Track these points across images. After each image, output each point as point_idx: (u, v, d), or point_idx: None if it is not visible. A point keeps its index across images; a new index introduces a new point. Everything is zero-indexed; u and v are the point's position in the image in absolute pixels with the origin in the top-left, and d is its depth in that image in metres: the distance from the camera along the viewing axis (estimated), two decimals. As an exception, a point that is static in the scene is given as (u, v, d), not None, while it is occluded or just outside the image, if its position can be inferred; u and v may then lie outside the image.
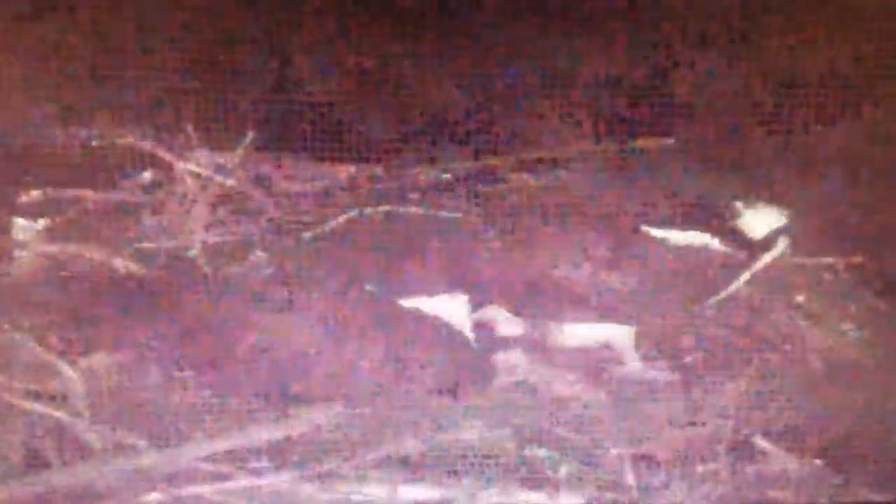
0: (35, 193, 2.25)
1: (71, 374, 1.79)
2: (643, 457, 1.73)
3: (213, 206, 2.36)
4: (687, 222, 1.86)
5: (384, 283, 1.82)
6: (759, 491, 1.66)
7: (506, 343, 1.84)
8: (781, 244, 1.97)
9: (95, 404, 1.78)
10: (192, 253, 2.24)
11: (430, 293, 1.82)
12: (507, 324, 1.83)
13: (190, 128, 2.34)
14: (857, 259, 2.10)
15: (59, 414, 1.75)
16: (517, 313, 1.82)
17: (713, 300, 2.00)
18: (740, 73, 1.97)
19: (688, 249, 1.83)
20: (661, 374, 1.94)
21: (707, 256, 1.85)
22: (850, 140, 1.98)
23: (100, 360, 1.90)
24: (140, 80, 2.36)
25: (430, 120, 2.44)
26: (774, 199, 1.96)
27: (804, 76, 1.96)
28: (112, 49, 2.29)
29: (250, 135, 2.40)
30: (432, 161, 2.48)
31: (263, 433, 1.73)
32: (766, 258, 1.95)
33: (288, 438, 1.72)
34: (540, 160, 2.05)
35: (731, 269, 1.89)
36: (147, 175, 2.43)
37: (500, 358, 1.86)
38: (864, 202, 2.01)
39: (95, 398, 1.80)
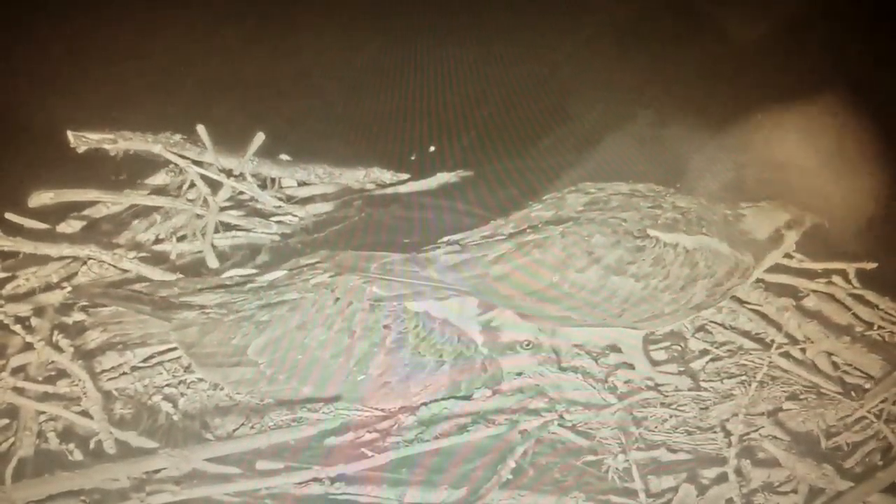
0: (46, 195, 2.26)
1: (83, 376, 1.79)
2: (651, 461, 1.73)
3: (224, 209, 2.36)
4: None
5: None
6: (767, 494, 1.65)
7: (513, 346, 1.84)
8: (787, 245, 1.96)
9: (106, 406, 1.79)
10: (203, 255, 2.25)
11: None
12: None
13: (200, 130, 2.35)
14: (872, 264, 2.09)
15: (71, 415, 1.76)
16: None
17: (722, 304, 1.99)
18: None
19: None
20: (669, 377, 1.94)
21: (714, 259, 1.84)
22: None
23: (111, 361, 1.92)
24: (149, 83, 2.36)
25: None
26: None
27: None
28: (121, 52, 2.29)
29: (261, 137, 2.40)
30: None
31: (273, 435, 1.74)
32: (772, 258, 1.95)
33: (297, 440, 1.73)
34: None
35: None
36: (158, 178, 2.44)
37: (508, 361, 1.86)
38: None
39: (106, 400, 1.81)
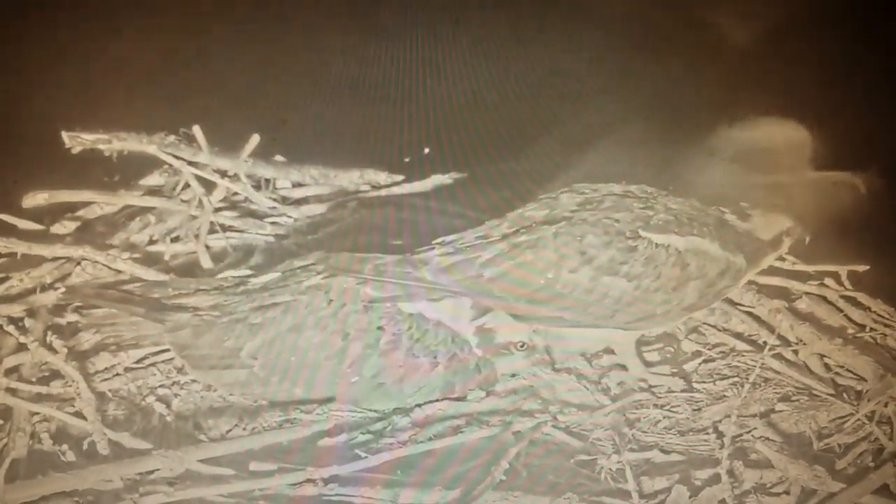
0: (40, 196, 2.26)
1: (76, 377, 1.79)
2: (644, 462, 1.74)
3: (218, 210, 2.36)
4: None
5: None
6: (759, 495, 1.66)
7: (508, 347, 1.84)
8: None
9: (100, 407, 1.78)
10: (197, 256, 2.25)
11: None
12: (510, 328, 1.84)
13: (195, 131, 2.35)
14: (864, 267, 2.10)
15: (64, 416, 1.75)
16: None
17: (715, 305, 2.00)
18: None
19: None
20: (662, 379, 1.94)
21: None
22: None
23: (104, 362, 1.91)
24: (145, 84, 2.36)
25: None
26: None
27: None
28: (116, 52, 2.29)
29: (256, 138, 2.40)
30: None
31: (267, 436, 1.74)
32: (766, 261, 1.96)
33: (291, 441, 1.73)
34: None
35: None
36: (153, 179, 2.44)
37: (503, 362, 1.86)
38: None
39: (100, 401, 1.80)
